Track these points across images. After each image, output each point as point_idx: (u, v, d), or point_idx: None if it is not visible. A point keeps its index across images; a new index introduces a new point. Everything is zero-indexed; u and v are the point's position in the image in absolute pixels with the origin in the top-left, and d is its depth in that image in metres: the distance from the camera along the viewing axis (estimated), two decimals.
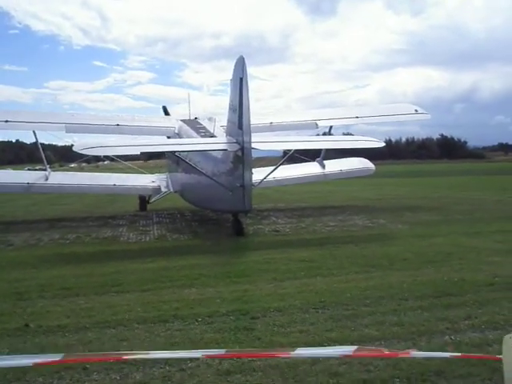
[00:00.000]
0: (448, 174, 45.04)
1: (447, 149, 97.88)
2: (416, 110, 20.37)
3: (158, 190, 18.63)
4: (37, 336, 6.06)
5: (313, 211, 18.78)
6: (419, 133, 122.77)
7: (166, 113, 23.36)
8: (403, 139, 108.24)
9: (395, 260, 9.83)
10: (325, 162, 20.14)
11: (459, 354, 4.18)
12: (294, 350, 3.93)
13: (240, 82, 13.03)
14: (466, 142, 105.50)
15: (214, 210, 16.85)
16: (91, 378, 4.84)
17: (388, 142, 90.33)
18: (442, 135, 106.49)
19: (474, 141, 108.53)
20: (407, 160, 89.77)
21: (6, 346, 5.74)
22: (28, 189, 17.46)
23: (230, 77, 13.84)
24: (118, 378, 4.84)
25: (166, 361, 5.13)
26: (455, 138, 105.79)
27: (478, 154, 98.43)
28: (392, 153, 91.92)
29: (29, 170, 36.45)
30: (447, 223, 14.90)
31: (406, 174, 47.23)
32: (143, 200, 20.54)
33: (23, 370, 5.03)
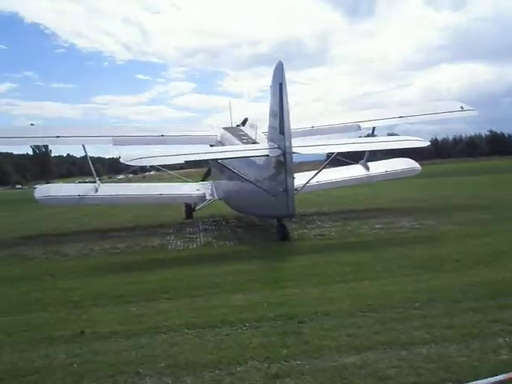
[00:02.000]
0: (498, 171, 43.43)
1: (497, 145, 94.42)
2: (462, 107, 19.80)
3: (203, 197, 18.92)
4: (91, 342, 6.28)
5: (358, 214, 18.56)
6: (467, 130, 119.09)
7: None
8: (450, 137, 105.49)
9: (445, 261, 9.58)
10: (369, 163, 19.88)
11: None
12: None
13: (279, 88, 13.11)
14: None
15: (259, 216, 16.96)
16: (144, 382, 4.99)
17: (434, 141, 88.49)
18: (490, 131, 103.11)
19: None
20: (455, 158, 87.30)
21: (63, 351, 5.99)
22: (79, 201, 18.10)
23: (270, 83, 13.95)
24: (170, 381, 4.96)
25: (216, 365, 5.23)
26: (505, 134, 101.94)
27: None
28: (439, 152, 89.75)
29: (79, 182, 37.80)
30: (499, 222, 14.40)
31: (454, 173, 45.97)
32: (189, 208, 20.92)
33: (80, 374, 5.26)
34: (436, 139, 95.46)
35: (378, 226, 15.05)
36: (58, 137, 17.57)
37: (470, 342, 5.51)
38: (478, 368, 4.73)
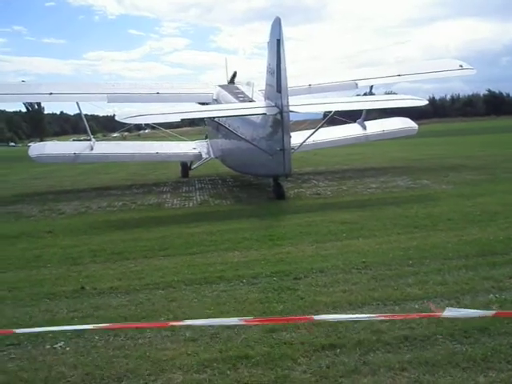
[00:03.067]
0: (495, 132, 43.36)
1: (495, 105, 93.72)
2: (461, 66, 19.56)
3: (199, 156, 18.93)
4: (92, 297, 6.41)
5: (354, 173, 18.63)
6: (464, 89, 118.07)
7: None
8: (448, 96, 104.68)
9: (439, 220, 9.70)
10: (366, 122, 19.79)
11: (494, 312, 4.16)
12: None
13: (277, 44, 12.86)
14: None
15: (255, 175, 16.98)
16: (144, 336, 5.12)
17: (432, 100, 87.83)
18: (489, 91, 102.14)
19: None
20: (452, 118, 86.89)
21: (64, 306, 6.12)
22: (75, 159, 18.06)
23: (266, 39, 13.68)
24: (170, 335, 5.10)
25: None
26: (503, 93, 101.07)
27: None
28: (436, 111, 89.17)
29: (74, 140, 37.49)
30: (493, 182, 14.51)
31: (450, 133, 45.85)
32: (185, 167, 20.91)
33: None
34: (434, 98, 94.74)
35: (373, 186, 15.15)
36: (50, 94, 17.31)
37: (461, 298, 5.66)
38: (468, 322, 4.86)
